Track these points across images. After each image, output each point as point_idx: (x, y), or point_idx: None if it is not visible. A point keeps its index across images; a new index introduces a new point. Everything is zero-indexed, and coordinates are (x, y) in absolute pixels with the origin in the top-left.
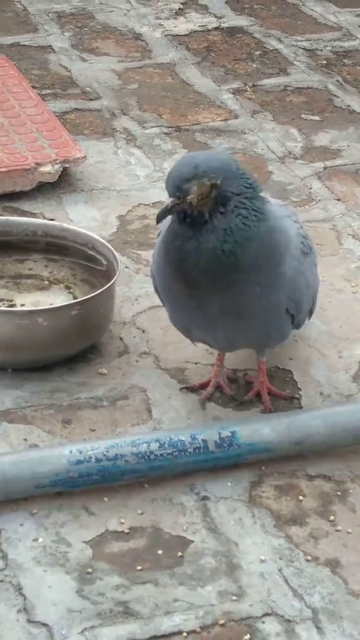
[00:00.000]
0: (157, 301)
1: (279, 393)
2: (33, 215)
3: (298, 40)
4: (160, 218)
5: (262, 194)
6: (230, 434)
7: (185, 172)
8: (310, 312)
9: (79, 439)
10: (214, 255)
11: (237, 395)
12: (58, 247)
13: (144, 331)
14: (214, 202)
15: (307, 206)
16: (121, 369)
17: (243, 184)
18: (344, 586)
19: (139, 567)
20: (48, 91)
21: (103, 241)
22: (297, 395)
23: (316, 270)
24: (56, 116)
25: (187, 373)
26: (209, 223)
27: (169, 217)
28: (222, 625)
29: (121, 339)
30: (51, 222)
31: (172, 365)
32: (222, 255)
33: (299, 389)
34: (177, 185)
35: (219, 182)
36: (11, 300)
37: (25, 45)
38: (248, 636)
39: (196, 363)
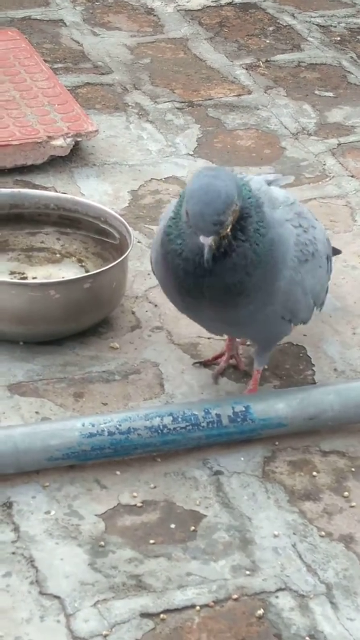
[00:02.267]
0: None
1: (240, 362)
2: (44, 189)
3: (312, 16)
4: (210, 261)
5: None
6: (244, 409)
7: (220, 207)
8: (321, 304)
9: (91, 413)
10: (225, 287)
11: (251, 370)
12: (70, 220)
13: (156, 306)
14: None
15: (320, 182)
16: (133, 343)
17: (246, 195)
18: (358, 562)
19: (151, 541)
20: (60, 65)
21: (116, 214)
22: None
23: (326, 266)
24: (68, 90)
25: (199, 348)
26: (232, 254)
27: (168, 210)
28: (235, 599)
29: (133, 313)
30: (63, 195)
31: (184, 340)
32: (232, 286)
33: (313, 365)
34: (216, 222)
35: (240, 204)
36: (23, 273)
37: (37, 19)
38: (261, 611)
39: (209, 338)
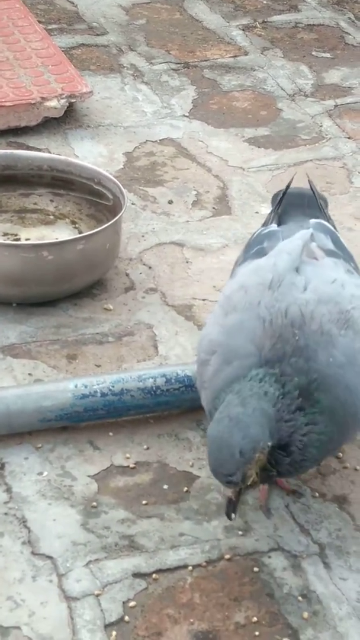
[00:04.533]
0: (163, 238)
1: (283, 485)
2: (38, 150)
3: None
4: (230, 514)
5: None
6: None
7: (232, 467)
8: None
9: (84, 375)
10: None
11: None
12: (64, 182)
13: (150, 267)
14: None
15: (317, 144)
16: (127, 305)
17: (286, 419)
18: (351, 522)
19: (144, 502)
20: (54, 26)
21: (109, 176)
22: (302, 492)
23: None
24: (62, 51)
25: (194, 310)
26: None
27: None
28: (228, 559)
29: (127, 275)
30: (57, 156)
31: (179, 302)
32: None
33: None
34: (229, 481)
35: (269, 445)
36: (16, 235)
37: None
38: (256, 569)
39: (203, 300)
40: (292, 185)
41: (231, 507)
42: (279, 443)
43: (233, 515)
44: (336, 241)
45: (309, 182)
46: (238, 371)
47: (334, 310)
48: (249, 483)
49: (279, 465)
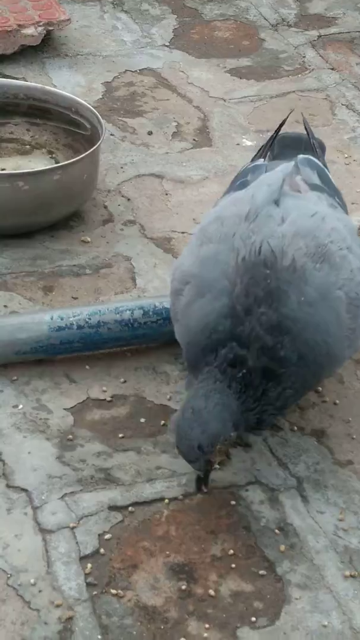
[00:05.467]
0: (143, 170)
1: None
2: (15, 80)
3: None
4: (200, 488)
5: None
6: None
7: (193, 457)
8: None
9: (60, 307)
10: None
11: None
12: (40, 111)
13: (129, 199)
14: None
15: (300, 75)
16: (105, 237)
17: (252, 401)
18: (329, 456)
19: (121, 435)
20: None
21: (87, 105)
22: (280, 426)
23: None
24: None
25: (173, 242)
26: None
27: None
28: (205, 492)
29: (105, 207)
30: (33, 84)
31: (157, 234)
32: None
33: None
34: (191, 464)
35: (232, 435)
36: None
37: None
38: (233, 502)
39: (183, 232)
40: (284, 127)
41: (200, 483)
42: (249, 426)
43: (204, 488)
44: (323, 176)
45: (305, 124)
46: (209, 309)
47: (311, 244)
48: (215, 466)
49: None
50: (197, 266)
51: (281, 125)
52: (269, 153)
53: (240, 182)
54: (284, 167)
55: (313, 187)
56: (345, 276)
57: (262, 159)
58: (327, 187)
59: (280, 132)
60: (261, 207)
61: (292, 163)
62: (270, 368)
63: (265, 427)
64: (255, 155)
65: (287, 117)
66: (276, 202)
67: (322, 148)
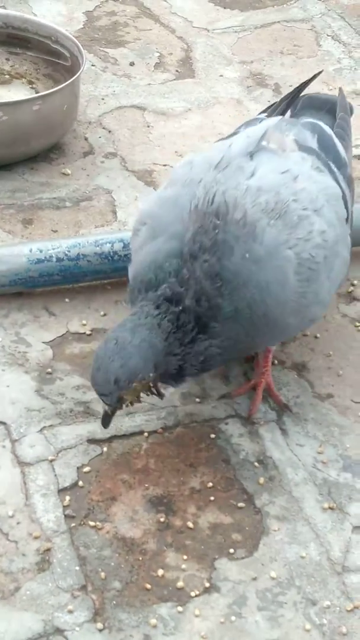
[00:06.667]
0: (124, 101)
1: (277, 396)
2: None
3: None
4: (107, 424)
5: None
6: None
7: (106, 390)
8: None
9: (40, 239)
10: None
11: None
12: (20, 40)
13: (110, 132)
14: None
15: (285, 5)
16: (85, 169)
17: (179, 343)
18: (310, 389)
19: None
20: None
21: (68, 34)
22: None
23: (344, 247)
24: None
25: (154, 175)
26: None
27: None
28: (184, 426)
29: (86, 139)
30: (12, 12)
31: (139, 166)
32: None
33: None
34: (103, 400)
35: (151, 376)
36: None
37: None
38: (212, 436)
39: (164, 165)
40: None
41: (107, 419)
42: (168, 373)
43: (105, 427)
44: (324, 142)
45: (340, 92)
46: (159, 248)
47: (272, 200)
48: (125, 405)
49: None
50: (157, 207)
51: (305, 84)
52: (290, 109)
53: (233, 132)
54: (267, 121)
55: (304, 149)
56: (300, 236)
57: (264, 114)
58: (325, 153)
59: (312, 93)
60: (234, 157)
61: (277, 118)
62: (204, 320)
63: (181, 381)
64: (267, 108)
65: (315, 77)
66: (251, 156)
67: (349, 111)
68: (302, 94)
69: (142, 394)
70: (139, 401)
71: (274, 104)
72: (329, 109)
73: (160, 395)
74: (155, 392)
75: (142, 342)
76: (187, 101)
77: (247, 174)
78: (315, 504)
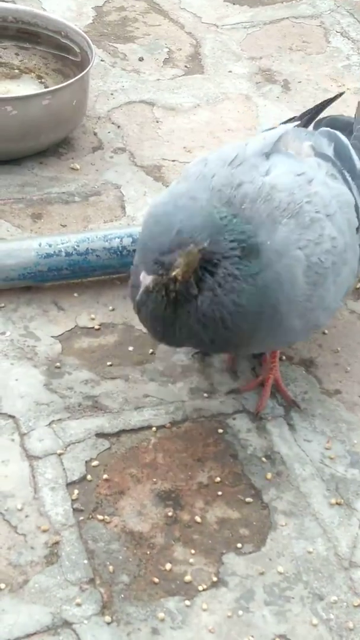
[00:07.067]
0: (133, 97)
1: (285, 392)
2: (3, 2)
3: None
4: (141, 304)
5: (253, 242)
6: None
7: (166, 242)
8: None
9: (49, 234)
10: (200, 342)
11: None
12: (30, 35)
13: (119, 127)
14: (199, 270)
15: (294, 1)
16: (94, 164)
17: (229, 239)
18: (317, 385)
19: (109, 363)
20: None
21: (77, 29)
22: (300, 405)
23: (354, 255)
24: None
25: (163, 170)
26: (195, 302)
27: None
28: (192, 421)
29: (95, 134)
30: (22, 7)
31: (147, 162)
32: (209, 341)
33: None
34: (157, 259)
35: (206, 245)
36: None
37: None
38: (220, 431)
39: (173, 160)
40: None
41: (144, 298)
42: (211, 256)
43: (136, 309)
44: (340, 151)
45: (358, 106)
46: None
47: (285, 200)
48: (172, 275)
49: (202, 291)
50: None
51: (327, 102)
52: (312, 125)
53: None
54: (285, 126)
55: (320, 155)
56: (311, 238)
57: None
58: (340, 162)
59: (336, 115)
60: (249, 156)
61: (294, 123)
62: (237, 269)
63: (206, 315)
64: (286, 121)
65: (337, 97)
66: (267, 156)
67: None
68: (324, 115)
69: (184, 275)
70: (185, 280)
71: (293, 117)
72: (350, 130)
73: (191, 292)
74: (194, 282)
75: (203, 208)
76: (196, 97)
77: (262, 172)
78: (322, 500)
